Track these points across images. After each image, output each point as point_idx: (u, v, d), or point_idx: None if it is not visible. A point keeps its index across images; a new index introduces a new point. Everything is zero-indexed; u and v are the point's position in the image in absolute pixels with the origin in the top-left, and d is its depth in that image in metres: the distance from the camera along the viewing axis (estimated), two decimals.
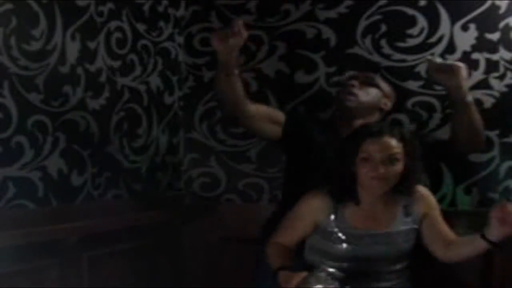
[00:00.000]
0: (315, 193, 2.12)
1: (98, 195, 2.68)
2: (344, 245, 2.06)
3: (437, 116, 2.83)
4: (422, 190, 2.17)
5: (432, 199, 2.19)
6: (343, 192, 2.07)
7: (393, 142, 2.03)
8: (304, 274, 1.90)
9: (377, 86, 2.57)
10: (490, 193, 2.78)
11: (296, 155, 2.58)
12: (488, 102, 2.78)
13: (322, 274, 1.89)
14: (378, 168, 2.00)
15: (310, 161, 2.45)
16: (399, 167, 2.03)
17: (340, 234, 2.06)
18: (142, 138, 2.95)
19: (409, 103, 2.86)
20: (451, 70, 2.39)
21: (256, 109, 2.49)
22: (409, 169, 2.05)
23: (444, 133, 2.80)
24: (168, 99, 3.12)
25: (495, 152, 2.77)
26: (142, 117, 2.95)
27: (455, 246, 2.10)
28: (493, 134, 2.77)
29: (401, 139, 2.05)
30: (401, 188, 2.08)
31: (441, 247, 2.11)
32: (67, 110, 2.53)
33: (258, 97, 2.78)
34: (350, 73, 2.79)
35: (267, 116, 2.54)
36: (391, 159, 2.01)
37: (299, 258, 2.19)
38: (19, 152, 2.32)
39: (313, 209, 2.10)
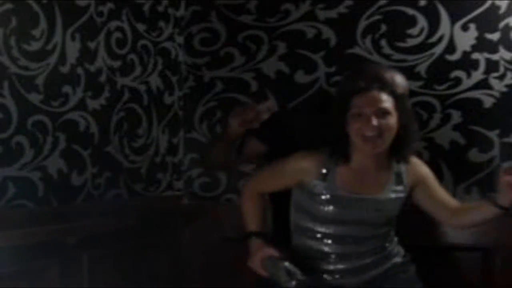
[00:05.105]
0: (306, 153, 2.08)
1: (98, 195, 2.68)
2: (331, 207, 2.02)
3: (437, 116, 2.83)
4: (413, 159, 2.14)
5: (424, 168, 2.14)
6: (335, 152, 2.04)
7: (383, 96, 1.99)
8: (268, 252, 2.00)
9: None
10: (490, 193, 2.77)
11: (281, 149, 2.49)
12: (488, 102, 2.77)
13: (282, 264, 1.94)
14: (370, 121, 1.95)
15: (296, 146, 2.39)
16: (391, 121, 1.98)
17: (328, 196, 2.02)
18: (142, 138, 2.95)
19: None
20: None
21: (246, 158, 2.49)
22: (403, 127, 2.01)
23: (444, 133, 2.81)
24: (168, 99, 3.12)
25: (495, 152, 2.77)
26: (142, 117, 2.95)
27: (462, 213, 2.09)
28: (493, 134, 2.76)
29: (391, 93, 2.02)
30: (396, 151, 2.04)
31: (446, 214, 2.10)
32: (67, 110, 2.53)
33: (258, 97, 2.78)
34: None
35: (253, 156, 2.49)
36: (382, 113, 1.97)
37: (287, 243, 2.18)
38: (19, 152, 2.32)
39: (300, 169, 2.07)
